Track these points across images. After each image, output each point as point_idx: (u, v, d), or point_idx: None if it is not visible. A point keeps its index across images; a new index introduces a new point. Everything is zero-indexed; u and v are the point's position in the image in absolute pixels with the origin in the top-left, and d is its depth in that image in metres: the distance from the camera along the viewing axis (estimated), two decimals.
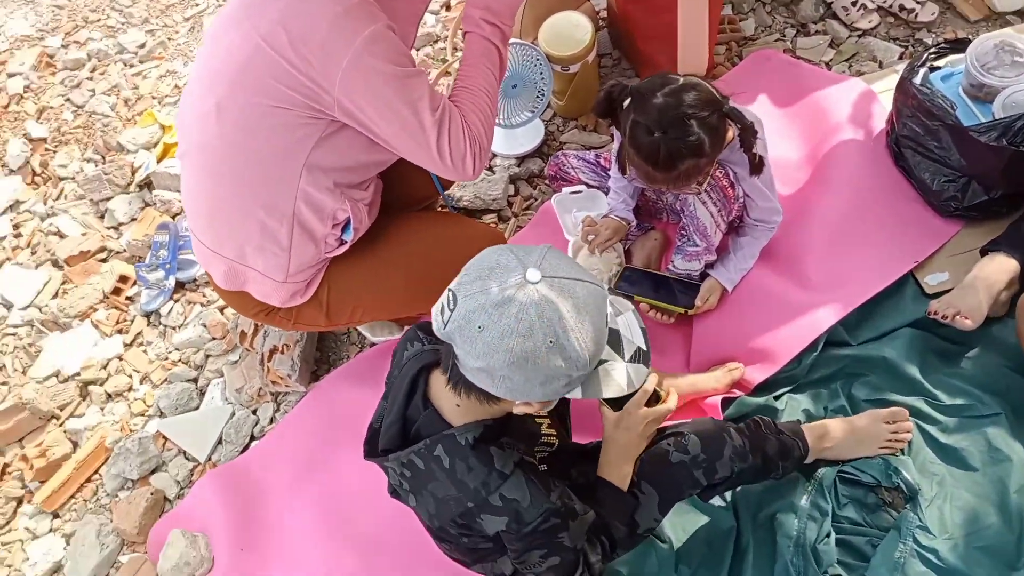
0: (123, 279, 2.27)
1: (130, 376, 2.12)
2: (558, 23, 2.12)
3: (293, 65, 1.39)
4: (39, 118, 2.73)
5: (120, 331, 2.21)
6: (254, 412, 1.99)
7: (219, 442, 1.96)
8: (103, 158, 2.56)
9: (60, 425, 2.06)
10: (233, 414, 1.98)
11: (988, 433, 1.57)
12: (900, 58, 2.17)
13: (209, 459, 1.94)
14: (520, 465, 1.15)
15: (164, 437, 1.98)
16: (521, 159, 2.25)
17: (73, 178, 2.54)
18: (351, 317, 1.76)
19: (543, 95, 2.12)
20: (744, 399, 1.68)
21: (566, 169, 2.01)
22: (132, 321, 2.21)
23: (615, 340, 1.10)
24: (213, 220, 1.62)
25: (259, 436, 1.95)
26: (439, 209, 2.11)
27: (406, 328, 1.69)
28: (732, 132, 1.56)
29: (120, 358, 2.15)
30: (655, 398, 1.30)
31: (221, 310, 2.15)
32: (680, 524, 1.58)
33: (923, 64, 1.83)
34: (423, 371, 1.19)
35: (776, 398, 1.68)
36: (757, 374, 1.70)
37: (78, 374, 2.13)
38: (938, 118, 1.73)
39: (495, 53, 1.61)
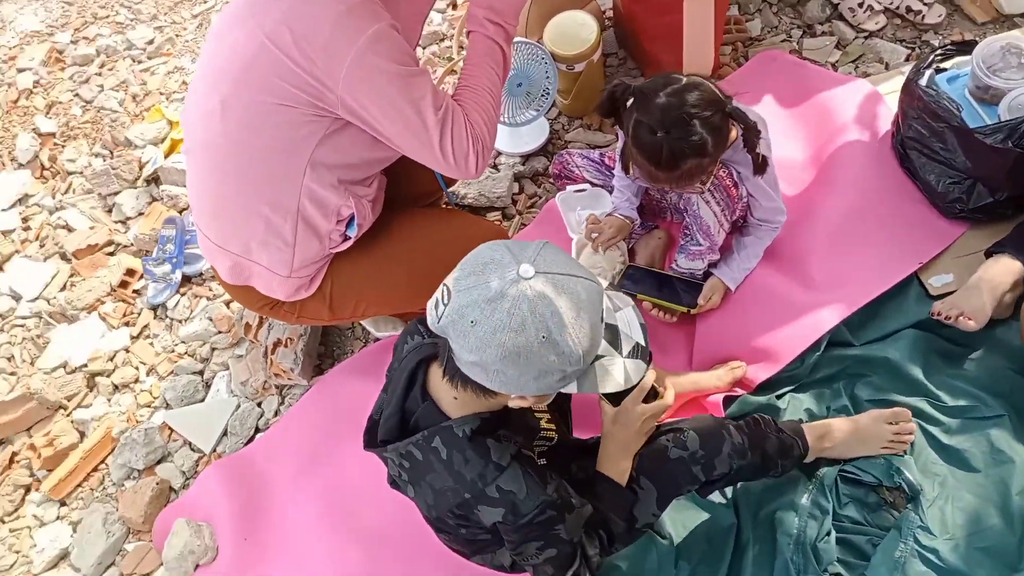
0: (130, 272, 2.29)
1: (137, 368, 2.14)
2: (563, 22, 2.12)
3: (297, 63, 1.40)
4: (48, 113, 2.75)
5: (127, 324, 2.23)
6: (259, 405, 2.01)
7: (224, 434, 1.98)
8: (111, 153, 2.58)
9: (68, 415, 2.08)
10: (238, 406, 2.00)
11: (991, 435, 1.56)
12: (906, 60, 2.17)
13: (214, 450, 1.96)
14: (517, 458, 1.16)
15: (170, 428, 2.00)
16: (526, 157, 2.26)
17: (81, 172, 2.56)
18: (354, 312, 1.77)
19: (548, 94, 2.13)
20: (746, 398, 1.69)
21: (570, 167, 2.02)
22: (139, 314, 2.23)
23: (613, 336, 1.11)
24: (218, 216, 1.64)
25: (264, 428, 1.97)
26: (443, 206, 2.12)
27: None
28: (735, 132, 1.57)
29: (127, 350, 2.17)
30: (653, 394, 1.31)
31: (227, 304, 2.17)
32: (681, 520, 1.59)
33: (929, 66, 1.83)
34: (422, 364, 1.21)
35: (778, 397, 1.69)
36: (759, 373, 1.71)
37: (85, 365, 2.15)
38: (943, 120, 1.72)
39: (499, 52, 1.61)
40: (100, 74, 2.83)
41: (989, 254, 1.69)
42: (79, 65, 2.86)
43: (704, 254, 1.76)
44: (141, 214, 2.42)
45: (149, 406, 2.07)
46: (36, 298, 2.30)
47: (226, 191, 1.59)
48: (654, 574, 1.53)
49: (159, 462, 1.97)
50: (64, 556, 1.88)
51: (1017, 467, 1.52)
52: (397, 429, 1.20)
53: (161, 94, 2.72)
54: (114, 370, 2.14)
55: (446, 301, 1.04)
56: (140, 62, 2.84)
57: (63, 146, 2.66)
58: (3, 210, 2.52)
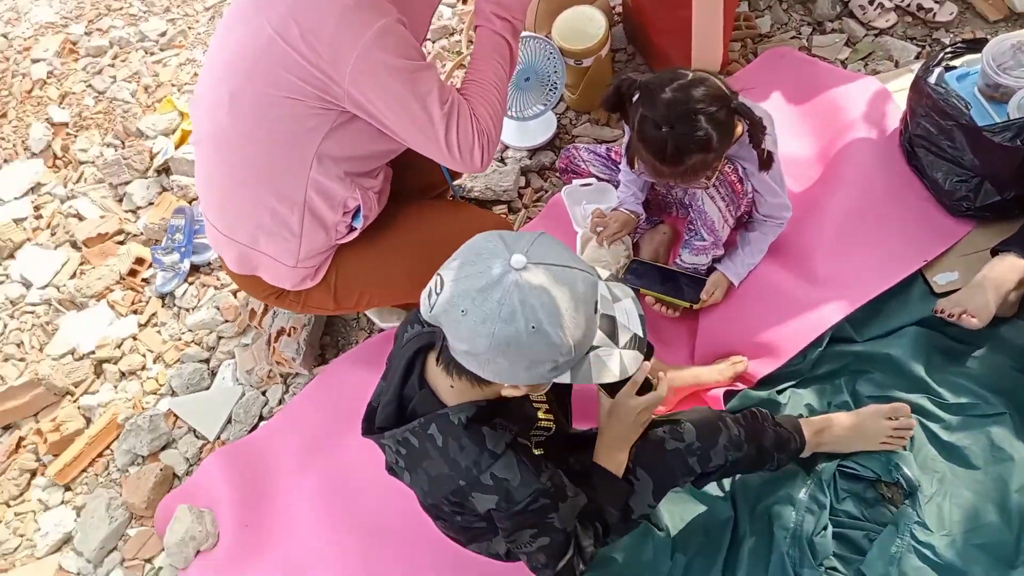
0: (139, 261, 2.31)
1: (144, 355, 2.16)
2: (572, 17, 2.12)
3: (304, 57, 1.41)
4: (61, 103, 2.77)
5: (135, 311, 2.24)
6: (263, 393, 2.02)
7: (228, 421, 1.99)
8: (123, 143, 2.60)
9: (74, 401, 2.10)
10: (243, 395, 2.01)
11: (991, 432, 1.56)
12: (916, 58, 2.16)
13: (218, 438, 1.98)
14: (512, 446, 1.16)
15: (175, 415, 2.02)
16: (533, 151, 2.26)
17: (93, 162, 2.58)
18: (358, 302, 1.78)
19: (556, 88, 2.13)
20: (747, 392, 1.69)
21: (576, 162, 2.02)
22: (147, 302, 2.25)
23: (610, 326, 1.11)
24: (225, 206, 1.65)
25: (268, 417, 1.99)
26: (449, 199, 2.13)
27: None
28: (741, 127, 1.56)
29: (134, 338, 2.19)
30: (647, 386, 1.31)
31: (234, 293, 2.19)
32: (678, 513, 1.59)
33: (938, 63, 1.82)
34: (420, 352, 1.21)
35: (779, 392, 1.69)
36: (761, 368, 1.71)
37: (93, 352, 2.17)
38: (952, 118, 1.71)
39: (506, 47, 1.62)
40: (113, 65, 2.85)
41: (995, 252, 1.68)
42: (92, 56, 2.89)
43: (708, 249, 1.76)
44: (151, 204, 2.44)
45: (155, 393, 2.09)
46: (46, 285, 2.33)
47: (234, 182, 1.60)
48: (650, 566, 1.54)
49: (163, 448, 1.98)
50: (67, 540, 1.90)
51: (1016, 465, 1.52)
52: (395, 416, 1.21)
53: (173, 85, 2.74)
54: (121, 357, 2.16)
55: (439, 290, 1.05)
56: (152, 54, 2.86)
57: (75, 136, 2.68)
58: (16, 198, 2.55)
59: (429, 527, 1.41)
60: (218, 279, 2.24)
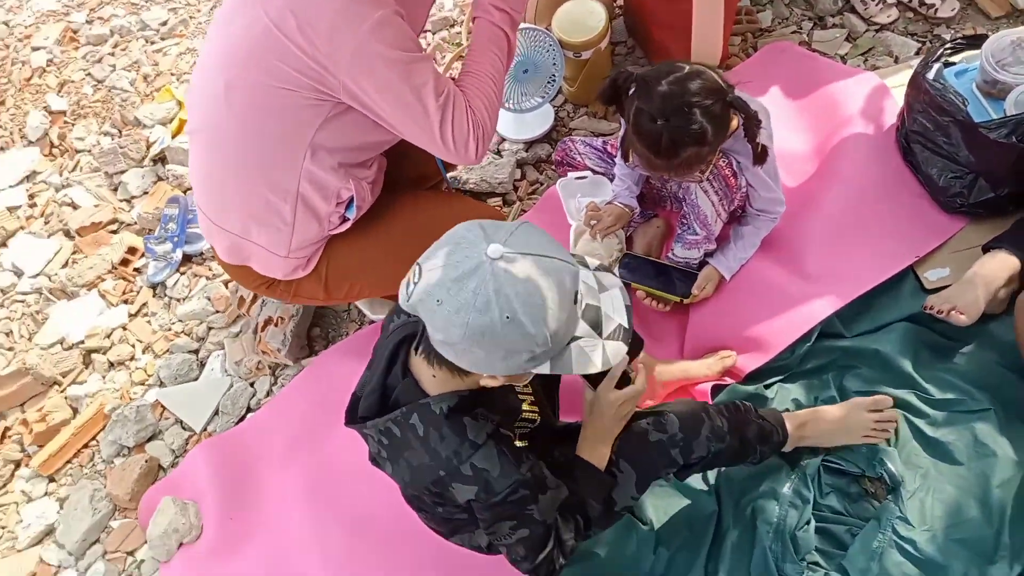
0: (132, 251, 2.30)
1: (133, 346, 2.14)
2: (572, 9, 2.11)
3: (300, 48, 1.41)
4: (60, 91, 2.77)
5: (126, 301, 2.23)
6: (252, 385, 2.01)
7: (216, 413, 1.98)
8: (120, 132, 2.59)
9: (62, 391, 2.09)
10: (231, 386, 2.00)
11: (976, 428, 1.56)
12: (917, 54, 2.14)
13: (205, 429, 1.96)
14: (493, 436, 1.15)
15: (162, 406, 2.01)
16: (529, 144, 2.24)
17: (89, 151, 2.58)
18: (349, 293, 1.77)
19: (554, 81, 2.11)
20: (735, 387, 1.68)
21: (572, 155, 2.00)
22: (138, 292, 2.24)
23: (594, 317, 1.09)
24: (218, 196, 1.65)
25: (255, 408, 1.97)
26: (444, 190, 2.11)
27: None
28: (736, 121, 1.55)
29: (124, 328, 2.18)
30: (625, 379, 1.29)
31: (225, 284, 2.17)
32: (662, 507, 1.59)
33: (937, 59, 1.80)
34: (404, 341, 1.20)
35: (767, 387, 1.68)
36: (749, 363, 1.70)
37: (82, 342, 2.16)
38: (949, 114, 1.70)
39: (504, 39, 1.61)
40: (113, 54, 2.85)
41: (986, 249, 1.67)
42: (93, 45, 2.89)
43: (700, 243, 1.74)
44: (146, 193, 2.43)
45: (143, 384, 2.07)
46: (38, 274, 2.32)
47: (227, 172, 1.60)
48: (634, 560, 1.53)
49: (149, 440, 1.97)
50: (49, 532, 1.89)
51: (999, 461, 1.51)
52: (377, 405, 1.20)
53: (172, 75, 2.73)
54: (110, 347, 2.15)
55: (416, 280, 1.04)
56: (153, 43, 2.85)
57: (73, 124, 2.68)
58: (11, 186, 2.54)
59: (413, 519, 1.39)
60: (210, 269, 2.23)
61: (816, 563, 1.50)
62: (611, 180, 1.93)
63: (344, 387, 1.83)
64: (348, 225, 1.67)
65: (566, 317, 1.04)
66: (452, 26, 2.60)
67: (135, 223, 2.37)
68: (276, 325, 1.96)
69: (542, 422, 1.37)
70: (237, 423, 1.95)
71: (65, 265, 2.33)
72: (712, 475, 1.61)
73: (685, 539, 1.55)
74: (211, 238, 1.74)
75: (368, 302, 2.02)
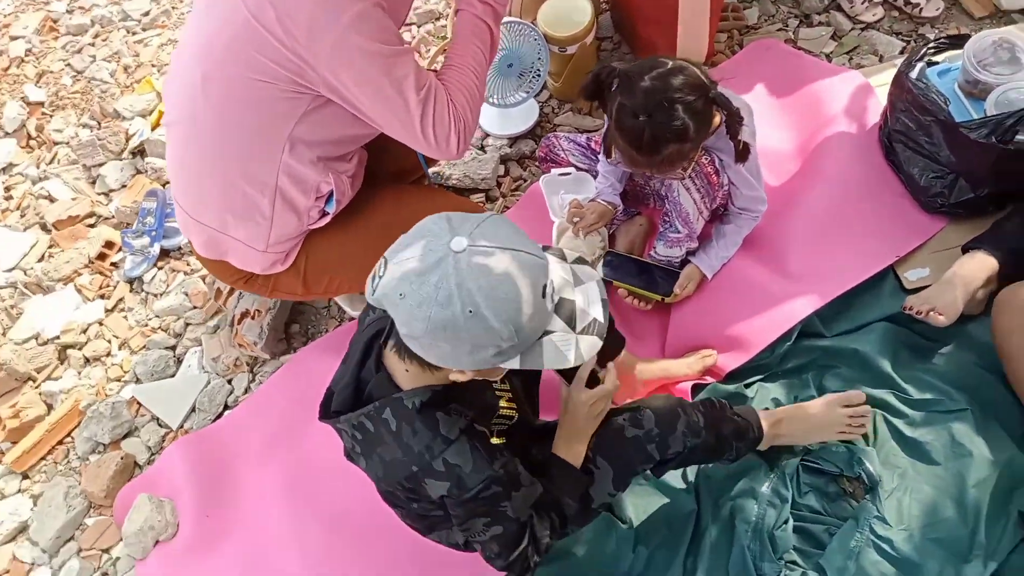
0: (109, 245, 2.27)
1: (109, 341, 2.11)
2: (558, 4, 2.10)
3: (279, 40, 1.39)
4: (38, 82, 2.73)
5: (102, 296, 2.20)
6: (229, 382, 1.98)
7: (192, 410, 1.95)
8: (99, 124, 2.56)
9: (36, 387, 2.06)
10: (208, 383, 1.98)
11: (953, 428, 1.56)
12: (901, 52, 2.14)
13: (181, 426, 1.94)
14: (466, 431, 1.14)
15: (138, 403, 1.98)
16: (513, 140, 2.23)
17: (68, 143, 2.54)
18: (328, 288, 1.75)
19: (539, 76, 2.10)
20: (715, 386, 1.68)
21: (556, 151, 1.99)
22: (115, 287, 2.21)
23: (568, 311, 1.08)
24: (195, 189, 1.63)
25: (233, 406, 1.95)
26: (426, 185, 2.09)
27: None
28: (719, 118, 1.54)
29: (100, 323, 2.15)
30: (594, 379, 1.29)
31: (203, 279, 2.15)
32: (642, 506, 1.59)
33: (921, 58, 1.80)
34: (379, 335, 1.19)
35: (747, 386, 1.68)
36: (730, 362, 1.69)
37: (58, 337, 2.13)
38: (931, 113, 1.70)
39: (486, 32, 1.60)
40: (93, 44, 2.81)
41: (966, 250, 1.67)
42: (73, 35, 2.85)
43: (682, 241, 1.73)
44: (124, 186, 2.40)
45: (119, 380, 2.04)
46: (12, 268, 2.28)
47: (204, 164, 1.58)
48: (613, 558, 1.53)
49: (125, 437, 1.94)
50: (23, 530, 1.86)
51: (975, 460, 1.52)
52: (351, 400, 1.19)
53: (153, 66, 2.70)
54: (86, 343, 2.12)
55: (381, 273, 1.03)
56: (134, 33, 2.82)
57: (51, 116, 2.64)
58: None
59: (389, 515, 1.38)
60: (188, 264, 2.20)
61: (794, 562, 1.50)
62: (595, 177, 1.92)
63: (323, 384, 1.80)
64: (328, 219, 1.65)
65: (533, 311, 1.02)
66: (437, 19, 2.58)
67: (113, 217, 2.34)
68: (253, 318, 1.93)
69: (520, 420, 1.37)
70: (214, 420, 1.92)
71: (41, 259, 2.30)
72: (691, 474, 1.61)
73: (664, 538, 1.55)
74: (188, 232, 1.72)
75: (348, 298, 2.00)
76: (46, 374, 2.08)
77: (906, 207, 1.81)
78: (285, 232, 1.62)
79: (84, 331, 2.13)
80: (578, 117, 2.24)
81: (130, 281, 2.20)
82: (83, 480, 1.86)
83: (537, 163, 2.12)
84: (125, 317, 2.15)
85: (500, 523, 1.19)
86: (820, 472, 1.59)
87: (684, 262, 1.79)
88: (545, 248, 1.15)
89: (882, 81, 1.99)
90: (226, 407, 1.95)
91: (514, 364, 1.05)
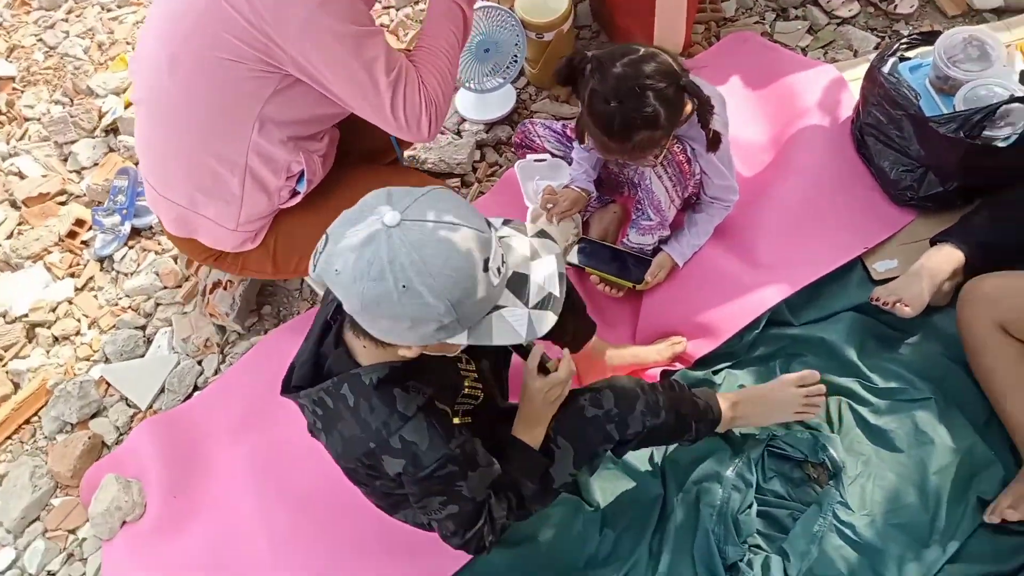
0: (79, 223, 2.24)
1: (79, 320, 2.09)
2: None
3: (246, 19, 1.38)
4: (9, 57, 2.68)
5: (72, 275, 2.18)
6: (199, 363, 1.97)
7: (162, 391, 1.94)
8: (71, 101, 2.52)
9: (3, 366, 2.03)
10: (178, 363, 1.96)
11: (916, 416, 1.59)
12: (876, 48, 2.17)
13: (150, 407, 1.92)
14: (423, 409, 1.14)
15: (107, 383, 1.96)
16: (490, 125, 2.23)
17: (39, 119, 2.50)
18: (298, 267, 1.75)
19: (516, 61, 2.10)
20: (685, 372, 1.69)
21: (531, 137, 1.99)
22: (85, 265, 2.19)
23: (519, 285, 1.07)
24: (164, 166, 1.62)
25: (202, 386, 1.93)
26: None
27: None
28: (690, 106, 1.55)
29: (70, 302, 2.12)
30: (543, 368, 1.29)
31: (175, 259, 2.13)
32: (609, 489, 1.60)
33: (893, 53, 1.83)
34: (340, 311, 1.18)
35: (716, 373, 1.69)
36: (699, 348, 1.71)
37: (26, 315, 2.10)
38: (902, 107, 1.72)
39: (459, 13, 1.60)
40: (67, 20, 2.76)
41: (933, 242, 1.70)
42: (46, 9, 2.80)
43: (654, 229, 1.74)
44: (97, 164, 2.37)
45: (88, 359, 2.02)
46: None
47: (172, 144, 1.57)
48: (580, 540, 1.54)
49: (93, 416, 1.92)
50: None
51: (937, 448, 1.55)
52: (311, 375, 1.18)
53: (128, 44, 2.66)
54: (55, 321, 2.09)
55: (322, 249, 1.02)
56: (109, 10, 2.77)
57: (22, 91, 2.59)
58: None
59: (356, 496, 1.38)
60: (159, 244, 2.18)
61: (758, 546, 1.52)
62: (570, 164, 1.92)
63: None
64: (299, 199, 1.64)
65: (471, 285, 1.00)
66: (417, 2, 2.56)
67: (84, 195, 2.31)
68: (225, 288, 1.93)
69: (487, 400, 1.37)
70: (184, 401, 1.91)
71: (10, 236, 2.26)
72: (658, 457, 1.62)
73: (631, 521, 1.56)
74: (157, 209, 1.71)
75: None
76: (13, 352, 2.05)
77: (876, 199, 1.84)
78: (255, 211, 1.62)
79: (53, 310, 2.10)
80: (555, 104, 2.24)
81: (100, 260, 2.18)
82: (49, 460, 1.84)
83: (513, 149, 2.12)
84: (95, 296, 2.12)
85: (456, 502, 1.19)
86: (785, 458, 1.61)
87: (656, 250, 1.80)
88: (506, 221, 1.15)
89: (856, 76, 2.01)
90: (196, 388, 1.94)
91: (462, 340, 1.04)
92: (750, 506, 1.54)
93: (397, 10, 2.54)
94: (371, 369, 1.12)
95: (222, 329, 2.00)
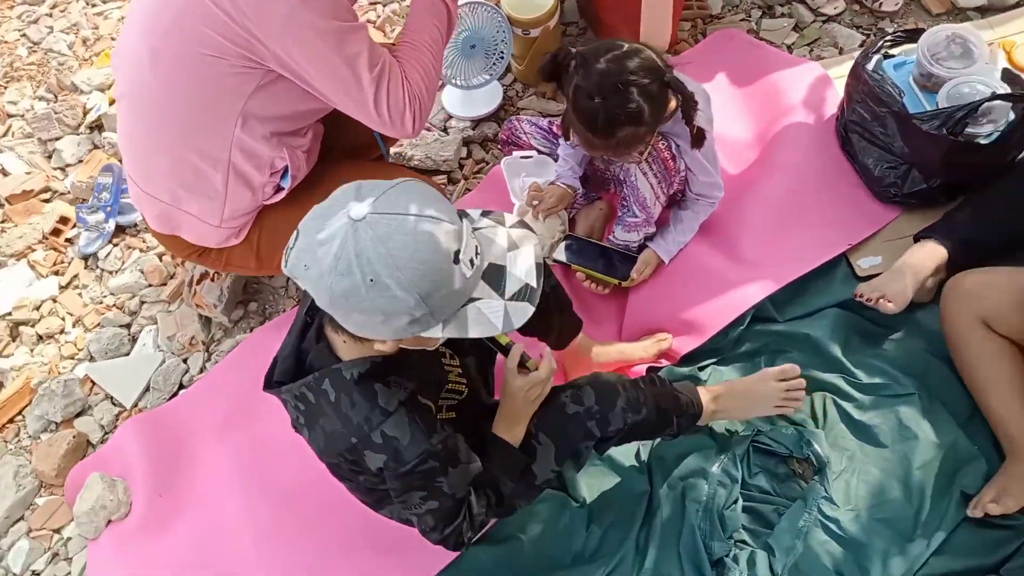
0: (64, 220, 2.22)
1: (63, 319, 2.08)
2: None
3: (227, 14, 1.37)
4: None
5: (56, 272, 2.16)
6: (184, 361, 1.96)
7: (147, 389, 1.93)
8: (55, 97, 2.50)
9: None
10: (163, 362, 1.95)
11: (900, 412, 1.60)
12: (861, 46, 2.17)
13: (135, 405, 1.91)
14: (405, 404, 1.14)
15: (91, 381, 1.95)
16: (476, 122, 2.22)
17: (23, 116, 2.48)
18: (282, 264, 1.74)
19: (503, 58, 2.10)
20: (671, 369, 1.69)
21: (518, 134, 1.99)
22: (69, 263, 2.17)
23: (495, 276, 1.06)
24: (143, 162, 1.61)
25: (188, 385, 1.93)
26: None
27: None
28: (675, 102, 1.55)
29: (54, 300, 2.11)
30: (523, 364, 1.29)
31: (159, 256, 2.12)
32: (595, 485, 1.60)
33: (878, 51, 1.84)
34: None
35: (701, 369, 1.70)
36: (685, 345, 1.71)
37: (10, 314, 2.08)
38: (886, 104, 1.73)
39: (443, 8, 1.60)
40: (51, 15, 2.74)
41: (917, 239, 1.71)
42: (29, 4, 2.78)
43: (640, 226, 1.74)
44: (81, 161, 2.35)
45: (72, 358, 2.01)
46: None
47: (154, 138, 1.56)
48: (567, 535, 1.55)
49: (78, 415, 1.91)
50: None
51: (920, 443, 1.56)
52: (293, 370, 1.18)
53: (112, 39, 2.64)
54: (39, 320, 2.08)
55: (292, 244, 1.01)
56: (94, 5, 2.75)
57: (5, 87, 2.57)
58: None
59: (342, 493, 1.38)
60: (144, 241, 2.17)
61: (743, 541, 1.53)
62: (556, 160, 1.92)
63: None
64: (283, 195, 1.64)
65: (441, 278, 0.99)
66: None
67: (68, 192, 2.29)
68: (212, 280, 1.92)
69: (471, 396, 1.37)
70: (169, 399, 1.90)
71: None
72: (644, 453, 1.63)
73: (617, 516, 1.57)
74: (140, 205, 1.70)
75: None
76: None
77: (860, 196, 1.85)
78: (239, 207, 1.61)
79: (37, 308, 2.09)
80: (542, 101, 2.24)
81: (85, 257, 2.17)
82: (34, 459, 1.83)
83: (499, 146, 2.12)
84: (79, 294, 2.11)
85: (436, 498, 1.19)
86: (770, 453, 1.61)
87: (642, 247, 1.80)
88: (485, 213, 1.14)
89: (841, 73, 2.01)
90: (181, 386, 1.93)
91: (436, 332, 1.04)
92: (736, 502, 1.55)
93: (384, 6, 2.54)
94: (352, 364, 1.12)
95: (208, 324, 1.99)
